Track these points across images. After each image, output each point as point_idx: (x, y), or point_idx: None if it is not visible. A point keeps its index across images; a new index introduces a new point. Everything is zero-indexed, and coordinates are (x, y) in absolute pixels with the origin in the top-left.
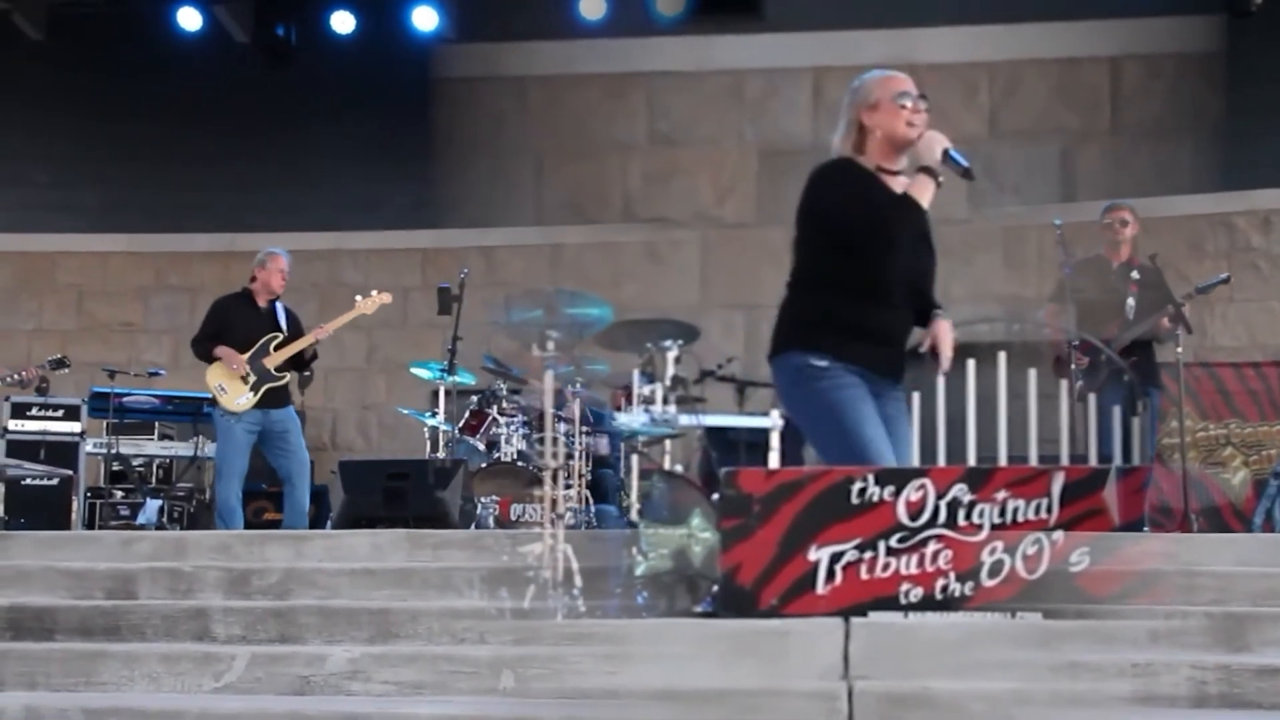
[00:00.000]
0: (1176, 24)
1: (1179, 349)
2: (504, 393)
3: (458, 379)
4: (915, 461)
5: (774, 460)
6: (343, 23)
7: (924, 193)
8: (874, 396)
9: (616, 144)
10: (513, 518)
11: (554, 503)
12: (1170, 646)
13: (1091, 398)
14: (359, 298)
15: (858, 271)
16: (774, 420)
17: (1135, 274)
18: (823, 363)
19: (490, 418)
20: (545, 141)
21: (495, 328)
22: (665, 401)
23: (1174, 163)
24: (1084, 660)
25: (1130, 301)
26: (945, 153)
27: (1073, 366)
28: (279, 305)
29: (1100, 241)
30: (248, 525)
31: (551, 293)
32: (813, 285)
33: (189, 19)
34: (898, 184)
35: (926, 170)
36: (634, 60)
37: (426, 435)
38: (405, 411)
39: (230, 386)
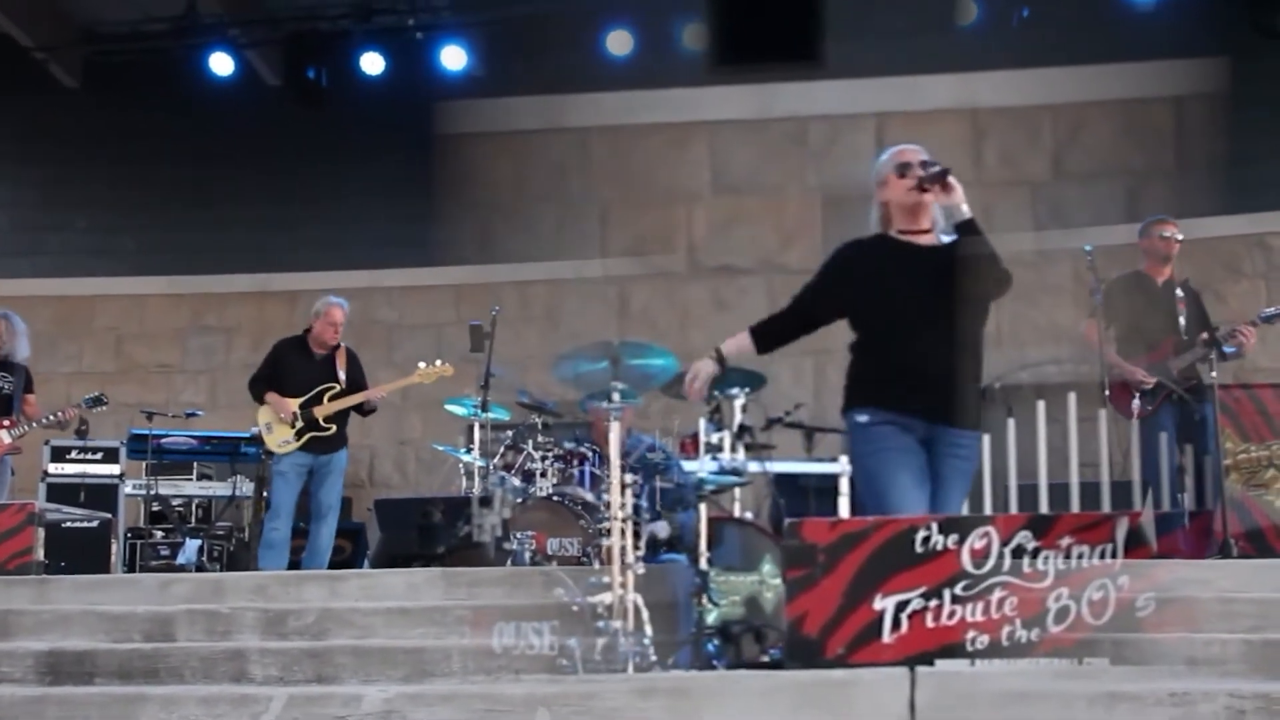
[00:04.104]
0: (1235, 61)
1: (1213, 373)
2: (539, 427)
3: (492, 415)
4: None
5: (844, 505)
6: (372, 64)
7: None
8: (925, 446)
9: (680, 193)
10: (549, 552)
11: (622, 552)
12: (1209, 675)
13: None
14: (421, 364)
15: (865, 320)
16: (842, 466)
17: (1180, 292)
18: (863, 417)
19: (525, 453)
20: (609, 191)
21: (559, 380)
22: (733, 449)
23: (1226, 188)
24: (1122, 690)
25: (1182, 321)
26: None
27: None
28: (342, 352)
29: (1138, 258)
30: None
31: (615, 344)
32: (851, 346)
33: (221, 64)
34: (926, 241)
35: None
36: (696, 110)
37: (462, 471)
38: (440, 448)
39: (276, 428)
